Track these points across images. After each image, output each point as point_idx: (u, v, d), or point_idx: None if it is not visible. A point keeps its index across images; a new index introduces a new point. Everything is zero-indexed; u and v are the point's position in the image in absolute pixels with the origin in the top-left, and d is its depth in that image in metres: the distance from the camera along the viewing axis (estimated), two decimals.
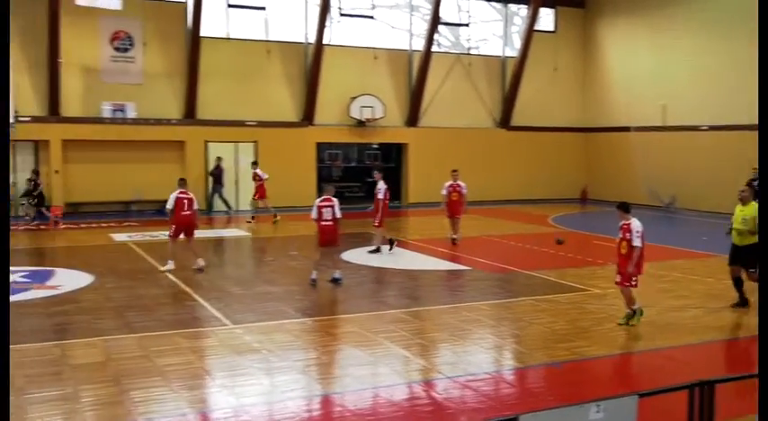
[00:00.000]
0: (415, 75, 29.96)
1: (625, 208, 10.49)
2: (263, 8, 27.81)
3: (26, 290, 12.92)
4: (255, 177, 23.81)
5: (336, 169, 33.55)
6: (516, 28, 32.19)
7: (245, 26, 27.70)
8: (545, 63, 31.96)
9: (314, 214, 13.43)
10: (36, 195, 23.21)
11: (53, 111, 25.02)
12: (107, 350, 9.26)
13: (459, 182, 18.73)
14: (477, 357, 9.34)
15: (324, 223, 13.34)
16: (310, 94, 28.27)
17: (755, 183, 17.68)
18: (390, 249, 17.19)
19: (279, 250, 17.78)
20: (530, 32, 30.84)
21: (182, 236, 14.98)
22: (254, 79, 27.77)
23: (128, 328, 10.35)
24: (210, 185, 26.83)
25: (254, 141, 27.75)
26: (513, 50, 31.76)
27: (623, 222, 10.43)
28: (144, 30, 25.96)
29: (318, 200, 13.62)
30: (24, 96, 24.54)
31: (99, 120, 25.50)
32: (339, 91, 28.55)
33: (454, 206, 18.65)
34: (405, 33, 30.31)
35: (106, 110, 25.66)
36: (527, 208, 28.28)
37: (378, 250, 17.02)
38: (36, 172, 23.57)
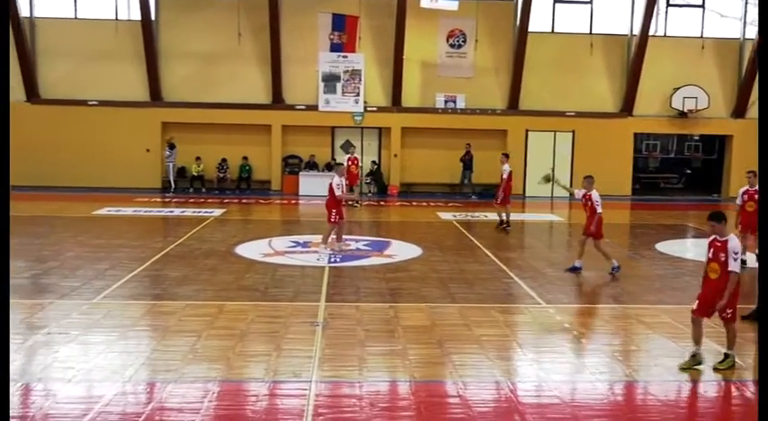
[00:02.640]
0: (746, 64, 27.15)
1: (719, 219, 7.80)
2: (589, 2, 27.10)
3: (367, 257, 14.11)
4: (353, 163, 23.26)
5: (653, 160, 31.74)
6: None
7: (569, 20, 27.25)
8: None
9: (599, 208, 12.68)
10: None
11: (395, 101, 26.86)
12: (432, 315, 9.76)
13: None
14: None
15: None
16: (631, 86, 27.02)
17: None
18: (504, 226, 17.84)
19: None
20: None
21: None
22: (576, 71, 27.24)
23: (450, 298, 10.83)
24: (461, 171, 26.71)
25: (572, 131, 27.27)
26: None
27: (716, 239, 7.79)
28: (476, 27, 26.71)
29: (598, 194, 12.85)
30: (373, 89, 26.71)
31: (433, 110, 26.89)
32: (661, 81, 26.91)
33: (749, 219, 13.27)
34: (736, 22, 27.57)
35: (440, 100, 27.00)
36: None
37: (507, 224, 17.80)
38: None
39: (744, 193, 13.72)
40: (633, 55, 26.87)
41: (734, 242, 7.70)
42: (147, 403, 6.58)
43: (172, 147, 25.79)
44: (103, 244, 14.85)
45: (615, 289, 11.88)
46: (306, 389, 6.93)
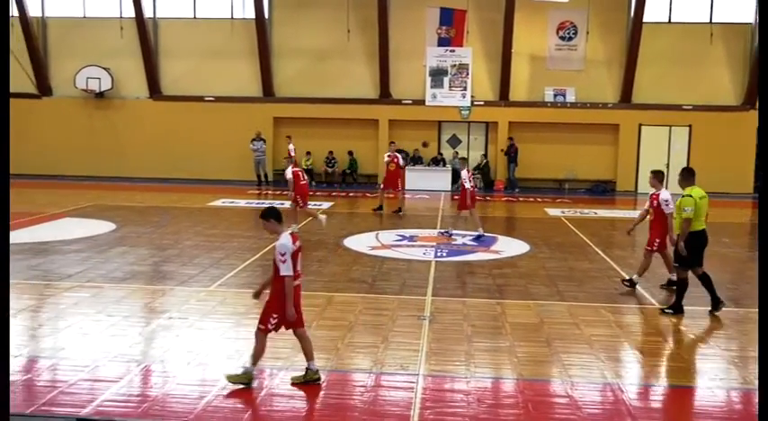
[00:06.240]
0: None
1: (266, 216, 7.09)
2: None
3: (473, 252, 14.04)
4: (288, 153, 22.57)
5: None
6: None
7: (688, 9, 26.13)
8: None
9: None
10: None
11: (503, 96, 26.55)
12: (540, 313, 9.61)
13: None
14: None
15: None
16: (754, 77, 25.60)
17: None
18: (398, 211, 19.08)
19: (711, 236, 16.54)
20: None
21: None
22: (694, 63, 26.09)
23: (559, 296, 10.62)
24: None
25: (689, 126, 26.14)
26: None
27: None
28: (588, 19, 26.01)
29: None
30: (480, 83, 26.51)
31: (542, 104, 26.41)
32: None
33: (653, 231, 11.28)
34: None
35: (548, 94, 26.49)
36: None
37: (400, 210, 19.11)
38: None
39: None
40: (758, 44, 25.46)
41: (280, 241, 6.74)
42: (259, 389, 6.80)
43: (261, 140, 26.28)
44: (218, 234, 15.45)
45: (734, 291, 11.32)
46: (413, 383, 6.97)
